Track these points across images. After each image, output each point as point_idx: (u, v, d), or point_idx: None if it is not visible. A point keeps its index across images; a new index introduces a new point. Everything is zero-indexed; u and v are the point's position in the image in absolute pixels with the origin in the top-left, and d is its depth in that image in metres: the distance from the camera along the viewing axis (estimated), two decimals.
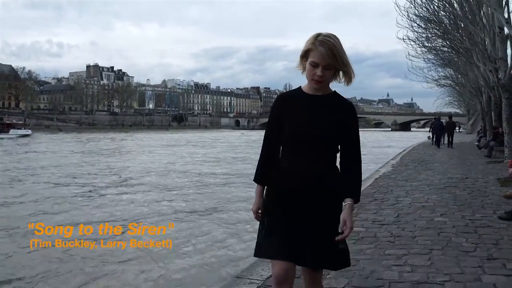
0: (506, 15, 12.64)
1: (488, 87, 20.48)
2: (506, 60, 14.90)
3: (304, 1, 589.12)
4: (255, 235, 2.63)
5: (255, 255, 2.61)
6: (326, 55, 2.34)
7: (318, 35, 2.39)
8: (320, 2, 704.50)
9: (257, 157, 2.65)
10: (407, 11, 20.02)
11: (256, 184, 2.62)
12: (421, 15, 19.93)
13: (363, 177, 9.69)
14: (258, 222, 2.59)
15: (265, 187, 2.59)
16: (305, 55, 2.43)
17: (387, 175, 12.53)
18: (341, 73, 2.47)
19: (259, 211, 2.56)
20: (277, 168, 2.52)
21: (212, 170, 21.72)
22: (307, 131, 2.42)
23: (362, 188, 8.60)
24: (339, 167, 2.51)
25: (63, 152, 34.60)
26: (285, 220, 2.44)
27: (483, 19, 15.73)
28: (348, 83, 2.49)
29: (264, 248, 2.50)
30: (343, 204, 2.43)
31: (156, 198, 13.88)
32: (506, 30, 13.52)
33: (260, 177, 2.59)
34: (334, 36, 2.40)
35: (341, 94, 2.54)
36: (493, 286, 3.77)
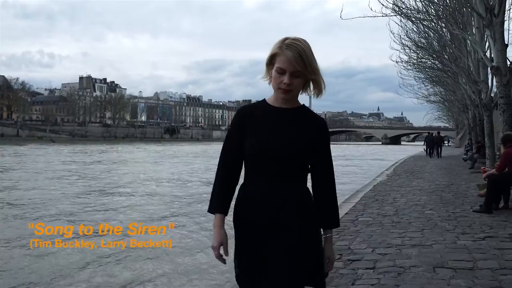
0: (487, 45, 14.70)
1: (473, 105, 22.59)
2: (487, 83, 16.96)
3: (297, 14, 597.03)
4: None
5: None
6: (293, 60, 2.07)
7: (286, 38, 2.14)
8: (313, 16, 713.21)
9: None
10: (400, 35, 22.20)
11: (213, 216, 2.24)
12: (411, 37, 22.09)
13: (363, 184, 11.87)
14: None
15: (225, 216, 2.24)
16: (271, 61, 2.17)
17: (383, 182, 14.45)
18: (311, 83, 2.21)
19: (221, 248, 2.18)
20: (242, 196, 2.22)
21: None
22: (274, 148, 2.12)
23: (363, 193, 10.62)
24: (311, 190, 2.25)
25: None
26: (255, 253, 2.15)
27: (468, 47, 17.83)
28: (318, 95, 2.24)
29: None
30: (323, 236, 2.22)
31: (156, 200, 14.41)
32: None
33: (220, 205, 2.22)
34: (303, 40, 2.14)
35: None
36: (464, 246, 5.70)
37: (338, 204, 2.33)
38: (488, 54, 13.79)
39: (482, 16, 11.47)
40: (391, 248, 5.66)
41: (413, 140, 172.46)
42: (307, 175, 2.23)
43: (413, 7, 15.61)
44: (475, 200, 9.63)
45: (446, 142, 69.82)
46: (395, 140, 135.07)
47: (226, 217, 2.21)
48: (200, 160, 39.00)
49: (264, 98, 2.28)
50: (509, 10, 13.46)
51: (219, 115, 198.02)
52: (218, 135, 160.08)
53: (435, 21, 16.39)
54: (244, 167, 2.24)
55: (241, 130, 2.21)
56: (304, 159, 2.17)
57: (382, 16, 13.67)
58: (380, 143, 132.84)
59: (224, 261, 2.20)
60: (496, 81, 11.96)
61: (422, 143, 40.26)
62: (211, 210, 2.23)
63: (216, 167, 2.27)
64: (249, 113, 2.24)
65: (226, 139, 2.27)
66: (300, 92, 2.21)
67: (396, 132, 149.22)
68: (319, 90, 2.21)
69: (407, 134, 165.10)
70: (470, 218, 7.74)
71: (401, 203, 9.65)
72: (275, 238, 2.10)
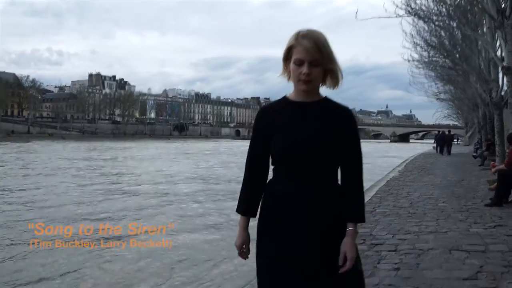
0: (498, 45, 15.15)
1: (483, 104, 23.00)
2: (498, 82, 17.36)
3: (305, 11, 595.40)
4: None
5: None
6: (311, 49, 2.08)
7: (300, 31, 2.15)
8: (322, 13, 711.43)
9: None
10: (412, 34, 22.65)
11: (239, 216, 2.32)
12: (422, 35, 22.55)
13: (376, 179, 12.41)
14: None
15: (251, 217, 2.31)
16: (287, 56, 2.16)
17: (396, 178, 14.97)
18: (328, 75, 2.18)
19: (244, 246, 2.29)
20: (269, 192, 2.23)
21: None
22: (300, 146, 2.11)
23: (378, 187, 11.20)
24: (340, 183, 2.22)
25: None
26: (281, 255, 2.14)
27: (478, 46, 18.25)
28: (335, 86, 2.21)
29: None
30: (347, 230, 2.15)
31: (158, 200, 14.32)
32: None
33: (244, 207, 2.30)
34: (318, 30, 2.15)
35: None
36: (476, 233, 6.24)
37: None
38: (498, 53, 14.24)
39: (493, 17, 11.90)
40: (409, 235, 6.20)
41: (422, 138, 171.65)
42: (333, 169, 2.17)
43: (425, 6, 16.11)
44: (485, 195, 10.11)
45: (456, 140, 70.05)
46: (403, 138, 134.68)
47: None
48: (216, 157, 39.73)
49: (285, 95, 2.26)
50: None
51: (227, 112, 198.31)
52: (226, 132, 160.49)
53: (447, 21, 16.82)
54: (271, 166, 2.26)
55: (262, 130, 2.23)
56: (324, 155, 2.12)
57: (396, 17, 14.13)
58: (389, 141, 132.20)
59: (246, 257, 2.33)
60: (506, 81, 12.40)
61: (431, 141, 41.27)
62: (238, 210, 2.32)
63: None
64: (268, 112, 2.27)
65: (251, 140, 2.30)
66: (320, 84, 2.19)
67: (404, 130, 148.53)
68: (336, 80, 2.19)
69: (416, 132, 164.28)
70: (481, 210, 8.27)
71: (415, 197, 10.17)
72: (293, 236, 2.11)
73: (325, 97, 2.22)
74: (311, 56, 2.07)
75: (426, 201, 9.45)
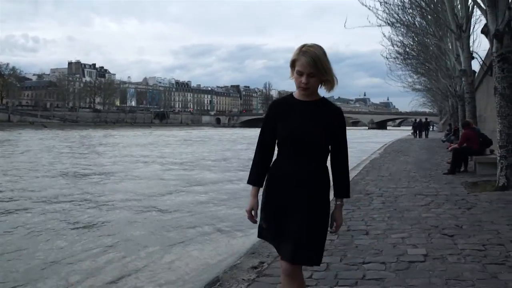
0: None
1: (451, 95, 26.53)
2: (461, 78, 20.76)
3: None
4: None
5: (258, 236, 2.82)
6: (308, 64, 2.53)
7: (303, 46, 2.60)
8: (302, 0, 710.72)
9: None
10: (390, 34, 25.99)
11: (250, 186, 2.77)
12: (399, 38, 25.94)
13: (361, 159, 16.51)
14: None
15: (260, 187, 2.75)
16: (293, 64, 2.63)
17: (377, 158, 18.32)
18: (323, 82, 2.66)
19: (252, 211, 2.72)
20: (273, 168, 2.72)
21: None
22: (299, 134, 2.60)
23: (363, 165, 14.97)
24: (330, 167, 2.72)
25: None
26: (277, 215, 2.64)
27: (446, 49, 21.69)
28: (329, 90, 2.70)
29: (264, 234, 2.75)
30: (335, 203, 2.74)
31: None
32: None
33: (254, 178, 2.75)
34: (318, 46, 2.60)
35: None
36: (433, 187, 9.61)
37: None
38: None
39: (453, 31, 15.24)
40: (390, 189, 9.51)
41: (399, 125, 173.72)
42: (325, 154, 2.71)
43: (401, 16, 19.43)
44: (445, 167, 13.47)
45: (431, 127, 73.81)
46: (381, 125, 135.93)
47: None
48: (219, 144, 42.68)
49: (292, 93, 2.77)
50: (474, 26, 17.18)
51: (207, 100, 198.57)
52: (207, 120, 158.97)
53: (418, 31, 20.23)
54: (277, 147, 2.75)
55: (274, 118, 2.72)
56: (320, 142, 2.64)
57: (378, 26, 17.38)
58: (367, 128, 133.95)
59: (254, 221, 2.77)
60: (463, 80, 15.79)
61: (408, 127, 46.37)
62: (249, 182, 2.78)
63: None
64: (279, 105, 2.76)
65: (263, 125, 2.78)
66: (320, 86, 2.68)
67: (382, 117, 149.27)
68: (330, 87, 2.68)
69: (393, 119, 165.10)
70: (439, 176, 11.68)
71: (393, 170, 13.52)
72: (292, 205, 2.61)
73: (323, 97, 2.75)
74: (308, 70, 2.56)
75: (401, 172, 12.81)
